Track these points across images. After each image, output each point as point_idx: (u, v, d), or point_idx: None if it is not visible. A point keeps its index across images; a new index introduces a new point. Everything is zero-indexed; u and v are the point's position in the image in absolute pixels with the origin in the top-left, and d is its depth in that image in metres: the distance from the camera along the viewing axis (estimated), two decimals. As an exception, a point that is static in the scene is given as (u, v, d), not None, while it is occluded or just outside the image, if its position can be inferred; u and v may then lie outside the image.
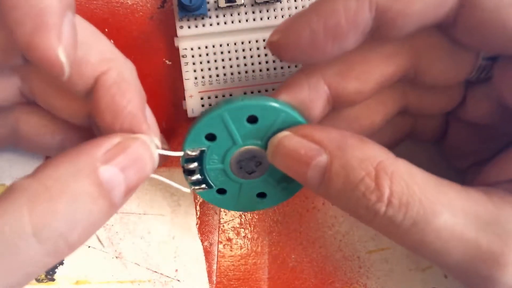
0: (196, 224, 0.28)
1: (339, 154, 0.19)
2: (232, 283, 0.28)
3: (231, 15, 0.25)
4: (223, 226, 0.28)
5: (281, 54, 0.20)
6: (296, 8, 0.25)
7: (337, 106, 0.22)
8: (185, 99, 0.26)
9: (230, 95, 0.26)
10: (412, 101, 0.24)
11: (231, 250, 0.28)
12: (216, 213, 0.28)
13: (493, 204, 0.18)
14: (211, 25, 0.25)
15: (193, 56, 0.25)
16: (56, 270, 0.27)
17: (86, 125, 0.22)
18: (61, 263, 0.27)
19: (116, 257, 0.27)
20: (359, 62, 0.21)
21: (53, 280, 0.27)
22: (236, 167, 0.22)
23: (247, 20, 0.25)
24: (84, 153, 0.18)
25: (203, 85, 0.26)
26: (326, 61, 0.21)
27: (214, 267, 0.27)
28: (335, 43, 0.19)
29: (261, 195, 0.23)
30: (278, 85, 0.25)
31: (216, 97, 0.26)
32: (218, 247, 0.28)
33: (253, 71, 0.26)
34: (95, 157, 0.18)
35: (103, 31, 0.21)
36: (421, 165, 0.19)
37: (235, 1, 0.25)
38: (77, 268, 0.27)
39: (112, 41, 0.22)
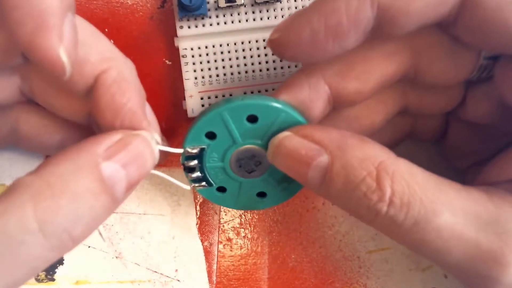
0: (196, 224, 0.28)
1: (339, 154, 0.19)
2: (232, 283, 0.28)
3: (231, 15, 0.25)
4: (223, 226, 0.28)
5: (281, 52, 0.20)
6: (296, 8, 0.25)
7: (337, 106, 0.22)
8: (185, 99, 0.26)
9: (230, 95, 0.26)
10: (412, 101, 0.24)
11: (231, 250, 0.28)
12: (216, 213, 0.28)
13: (493, 203, 0.18)
14: (211, 25, 0.25)
15: (193, 56, 0.25)
16: (56, 270, 0.27)
17: (86, 123, 0.22)
18: (61, 263, 0.27)
19: (116, 257, 0.27)
20: (360, 62, 0.21)
21: (53, 280, 0.27)
22: (235, 166, 0.22)
23: (247, 20, 0.25)
24: (85, 150, 0.18)
25: (203, 85, 0.26)
26: (327, 60, 0.21)
27: (214, 267, 0.27)
28: (336, 42, 0.19)
29: (261, 194, 0.23)
30: (278, 85, 0.25)
31: (216, 97, 0.26)
32: (218, 247, 0.28)
33: (253, 71, 0.26)
34: (96, 153, 0.18)
35: (103, 31, 0.21)
36: (421, 165, 0.19)
37: (235, 1, 0.25)
38: (77, 268, 0.27)
39: (112, 41, 0.22)
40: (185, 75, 0.26)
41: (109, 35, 0.24)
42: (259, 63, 0.26)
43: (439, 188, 0.18)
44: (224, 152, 0.22)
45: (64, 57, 0.16)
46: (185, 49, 0.25)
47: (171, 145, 0.24)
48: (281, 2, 0.25)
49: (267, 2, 0.25)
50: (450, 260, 0.19)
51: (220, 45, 0.25)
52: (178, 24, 0.25)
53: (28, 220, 0.16)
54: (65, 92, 0.21)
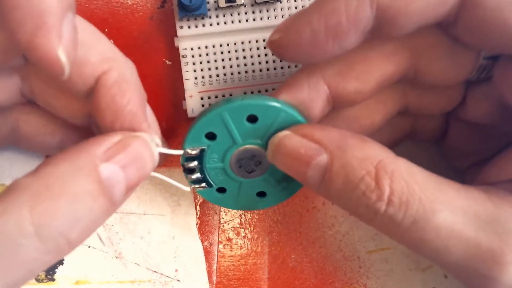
0: (196, 224, 0.28)
1: (339, 153, 0.19)
2: (232, 283, 0.28)
3: (231, 15, 0.25)
4: (223, 226, 0.28)
5: (281, 53, 0.20)
6: (296, 8, 0.25)
7: (337, 106, 0.22)
8: (185, 99, 0.26)
9: (230, 95, 0.26)
10: (412, 101, 0.24)
11: (231, 250, 0.28)
12: (216, 213, 0.28)
13: (492, 203, 0.18)
14: (211, 25, 0.25)
15: (193, 56, 0.25)
16: (56, 270, 0.27)
17: (86, 124, 0.22)
18: (61, 263, 0.27)
19: (116, 257, 0.27)
20: (359, 62, 0.21)
21: (53, 280, 0.27)
22: (235, 166, 0.22)
23: (247, 20, 0.25)
24: (84, 151, 0.18)
25: (203, 85, 0.26)
26: (326, 60, 0.21)
27: (214, 267, 0.27)
28: (336, 42, 0.19)
29: (261, 194, 0.23)
30: (278, 85, 0.25)
31: (216, 97, 0.26)
32: (218, 247, 0.28)
33: (253, 71, 0.26)
34: (95, 155, 0.18)
35: (103, 31, 0.21)
36: (421, 165, 0.19)
37: (235, 1, 0.25)
38: (77, 268, 0.27)
39: (112, 41, 0.22)
40: (185, 75, 0.26)
41: (109, 35, 0.24)
42: (259, 63, 0.26)
43: (438, 187, 0.18)
44: (224, 153, 0.22)
45: (63, 57, 0.16)
46: (185, 49, 0.25)
47: (171, 145, 0.24)
48: (281, 2, 0.25)
49: (267, 2, 0.25)
50: (449, 260, 0.19)
51: (220, 45, 0.25)
52: (178, 24, 0.25)
53: (25, 223, 0.16)
54: (66, 93, 0.21)
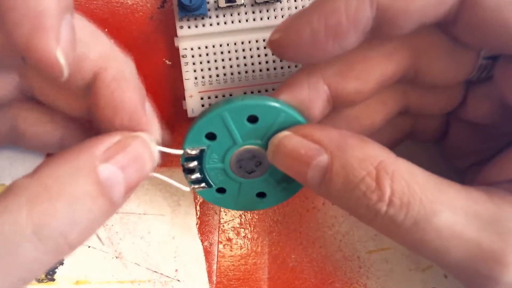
0: (196, 224, 0.28)
1: (339, 154, 0.19)
2: (232, 283, 0.28)
3: (231, 15, 0.25)
4: (223, 226, 0.28)
5: (281, 53, 0.20)
6: (296, 8, 0.25)
7: (337, 106, 0.22)
8: (185, 99, 0.26)
9: (230, 95, 0.26)
10: (413, 101, 0.24)
11: (231, 250, 0.28)
12: (216, 213, 0.28)
13: (493, 203, 0.18)
14: (211, 25, 0.25)
15: (193, 56, 0.25)
16: (56, 270, 0.27)
17: (86, 118, 0.22)
18: (61, 263, 0.27)
19: (116, 257, 0.27)
20: (359, 62, 0.21)
21: (53, 280, 0.27)
22: (236, 167, 0.22)
23: (247, 20, 0.25)
24: (83, 152, 0.18)
25: (203, 85, 0.26)
26: (326, 60, 0.21)
27: (214, 267, 0.27)
28: (336, 42, 0.19)
29: (261, 195, 0.23)
30: (278, 85, 0.25)
31: (216, 97, 0.26)
32: (218, 247, 0.28)
33: (253, 71, 0.26)
34: (94, 155, 0.18)
35: (103, 31, 0.21)
36: (421, 165, 0.19)
37: (235, 1, 0.25)
38: (77, 268, 0.27)
39: (112, 41, 0.22)
40: (185, 75, 0.26)
41: (109, 35, 0.24)
42: (259, 63, 0.26)
43: (439, 188, 0.18)
44: (224, 153, 0.22)
45: (61, 59, 0.16)
46: (185, 49, 0.25)
47: (171, 145, 0.24)
48: (281, 2, 0.25)
49: (267, 2, 0.25)
50: (450, 260, 0.19)
51: (220, 45, 0.25)
52: (178, 24, 0.25)
53: (24, 223, 0.16)
54: (64, 87, 0.21)
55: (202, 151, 0.22)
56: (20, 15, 0.16)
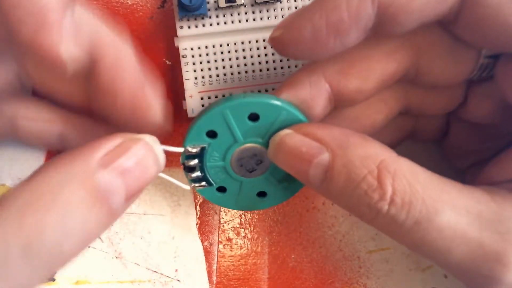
0: (196, 224, 0.27)
1: (341, 152, 0.19)
2: (232, 283, 0.28)
3: (231, 15, 0.25)
4: (223, 226, 0.28)
5: (283, 50, 0.20)
6: (296, 8, 0.25)
7: (338, 104, 0.22)
8: (185, 99, 0.26)
9: (230, 95, 0.26)
10: (414, 101, 0.24)
11: (231, 250, 0.28)
12: (216, 213, 0.28)
13: (495, 203, 0.18)
14: (211, 25, 0.25)
15: (193, 56, 0.25)
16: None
17: (87, 109, 0.22)
18: (61, 263, 0.27)
19: (116, 257, 0.27)
20: (361, 60, 0.21)
21: (53, 280, 0.27)
22: (236, 165, 0.22)
23: (247, 20, 0.25)
24: (80, 157, 0.17)
25: (203, 85, 0.26)
26: (328, 58, 0.21)
27: (214, 267, 0.27)
28: (337, 39, 0.19)
29: (262, 194, 0.23)
30: (278, 85, 0.25)
31: (216, 97, 0.26)
32: (218, 247, 0.28)
33: (253, 71, 0.26)
34: (92, 160, 0.17)
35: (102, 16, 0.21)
36: (421, 165, 0.19)
37: (235, 1, 0.25)
38: (77, 268, 0.27)
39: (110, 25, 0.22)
40: (185, 75, 0.26)
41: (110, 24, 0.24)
42: (259, 63, 0.26)
43: (440, 187, 0.18)
44: (225, 151, 0.22)
45: (65, 55, 0.16)
46: (185, 49, 0.25)
47: (170, 145, 0.24)
48: (281, 2, 0.25)
49: (267, 2, 0.25)
50: (451, 260, 0.18)
51: (220, 45, 0.25)
52: (178, 24, 0.25)
53: (12, 243, 0.15)
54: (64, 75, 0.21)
55: (203, 149, 0.21)
56: (24, 12, 0.16)
